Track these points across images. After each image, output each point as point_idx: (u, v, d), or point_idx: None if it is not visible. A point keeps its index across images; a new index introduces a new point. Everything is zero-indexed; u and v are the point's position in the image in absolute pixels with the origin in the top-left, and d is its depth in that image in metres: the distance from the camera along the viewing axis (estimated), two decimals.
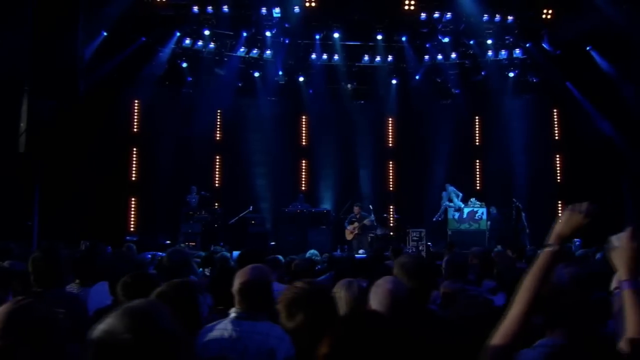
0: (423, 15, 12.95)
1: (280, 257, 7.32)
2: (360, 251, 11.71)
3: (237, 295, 2.57)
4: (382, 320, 1.25)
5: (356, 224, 12.32)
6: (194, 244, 12.15)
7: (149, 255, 6.92)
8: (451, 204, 13.27)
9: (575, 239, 11.68)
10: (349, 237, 12.50)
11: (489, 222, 13.12)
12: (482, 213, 13.07)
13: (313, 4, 12.42)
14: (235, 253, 7.11)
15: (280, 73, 14.11)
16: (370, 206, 13.06)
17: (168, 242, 12.54)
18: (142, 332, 1.10)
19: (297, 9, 12.60)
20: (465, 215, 13.08)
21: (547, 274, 1.61)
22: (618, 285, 1.70)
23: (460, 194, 13.40)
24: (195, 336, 2.19)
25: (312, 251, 7.67)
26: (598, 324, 2.57)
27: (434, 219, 13.55)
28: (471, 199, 13.31)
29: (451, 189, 13.44)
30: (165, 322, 1.16)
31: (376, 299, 2.21)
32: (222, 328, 2.54)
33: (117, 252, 4.57)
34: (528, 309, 1.53)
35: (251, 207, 12.81)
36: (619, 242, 1.75)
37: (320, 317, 1.75)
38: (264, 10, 12.68)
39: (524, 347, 1.75)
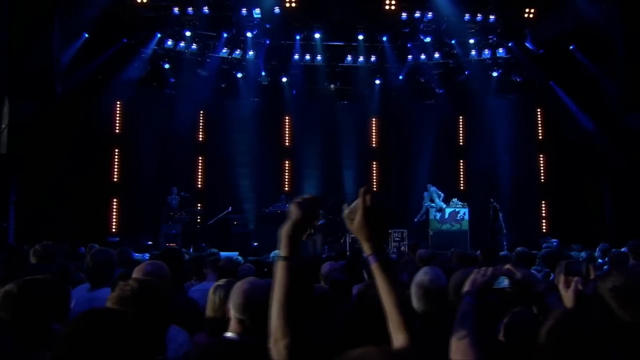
0: (404, 15, 12.94)
1: (241, 257, 7.33)
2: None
3: None
4: (112, 319, 1.24)
5: None
6: (174, 244, 12.13)
7: None
8: (433, 204, 13.21)
9: (553, 240, 11.64)
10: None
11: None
12: (464, 213, 13.01)
13: (293, 4, 12.44)
14: (222, 254, 6.99)
15: (263, 74, 14.10)
16: (344, 206, 12.96)
17: (150, 242, 12.57)
18: None
19: (277, 10, 12.61)
20: (447, 216, 13.02)
21: (286, 284, 1.50)
22: (367, 258, 1.48)
23: (442, 194, 13.34)
24: (42, 337, 2.17)
25: (276, 252, 7.62)
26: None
27: (416, 220, 13.47)
28: (453, 199, 13.25)
29: (433, 189, 13.38)
30: None
31: (232, 299, 2.21)
32: None
33: (45, 249, 4.57)
34: (279, 307, 1.50)
35: (230, 207, 12.81)
36: (353, 213, 1.45)
37: (148, 314, 1.76)
38: (244, 11, 12.70)
39: None
